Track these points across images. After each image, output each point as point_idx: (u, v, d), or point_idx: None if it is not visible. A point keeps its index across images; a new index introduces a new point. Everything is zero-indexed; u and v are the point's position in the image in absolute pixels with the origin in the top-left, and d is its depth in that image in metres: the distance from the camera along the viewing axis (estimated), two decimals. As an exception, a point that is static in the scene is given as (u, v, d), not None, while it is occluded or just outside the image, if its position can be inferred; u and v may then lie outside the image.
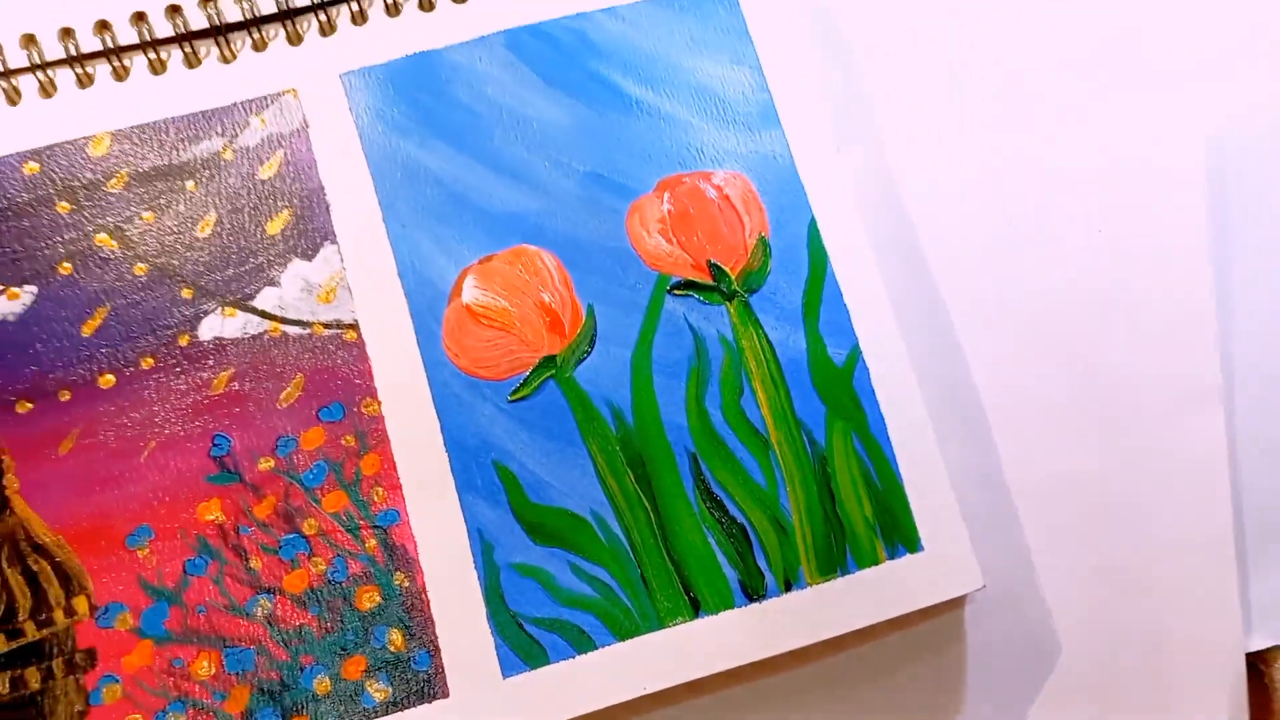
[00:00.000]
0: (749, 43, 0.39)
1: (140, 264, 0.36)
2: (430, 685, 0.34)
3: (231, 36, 0.38)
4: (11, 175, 0.36)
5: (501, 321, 0.36)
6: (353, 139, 0.37)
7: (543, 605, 0.35)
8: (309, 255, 0.37)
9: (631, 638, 0.35)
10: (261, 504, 0.35)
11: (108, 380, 0.35)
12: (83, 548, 0.34)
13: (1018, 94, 0.40)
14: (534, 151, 0.38)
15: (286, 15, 0.38)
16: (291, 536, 0.35)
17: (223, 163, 0.37)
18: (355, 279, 0.36)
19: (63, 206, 0.36)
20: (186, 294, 0.36)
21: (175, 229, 0.37)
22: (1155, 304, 0.38)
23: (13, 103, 0.37)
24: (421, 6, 0.38)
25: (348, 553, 0.35)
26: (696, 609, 0.35)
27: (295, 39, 0.38)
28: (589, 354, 0.36)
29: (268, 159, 0.37)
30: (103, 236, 0.36)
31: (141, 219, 0.37)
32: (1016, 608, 0.38)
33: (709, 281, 0.37)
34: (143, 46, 0.37)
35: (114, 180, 0.37)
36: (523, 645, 0.34)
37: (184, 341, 0.36)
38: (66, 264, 0.36)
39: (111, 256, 0.36)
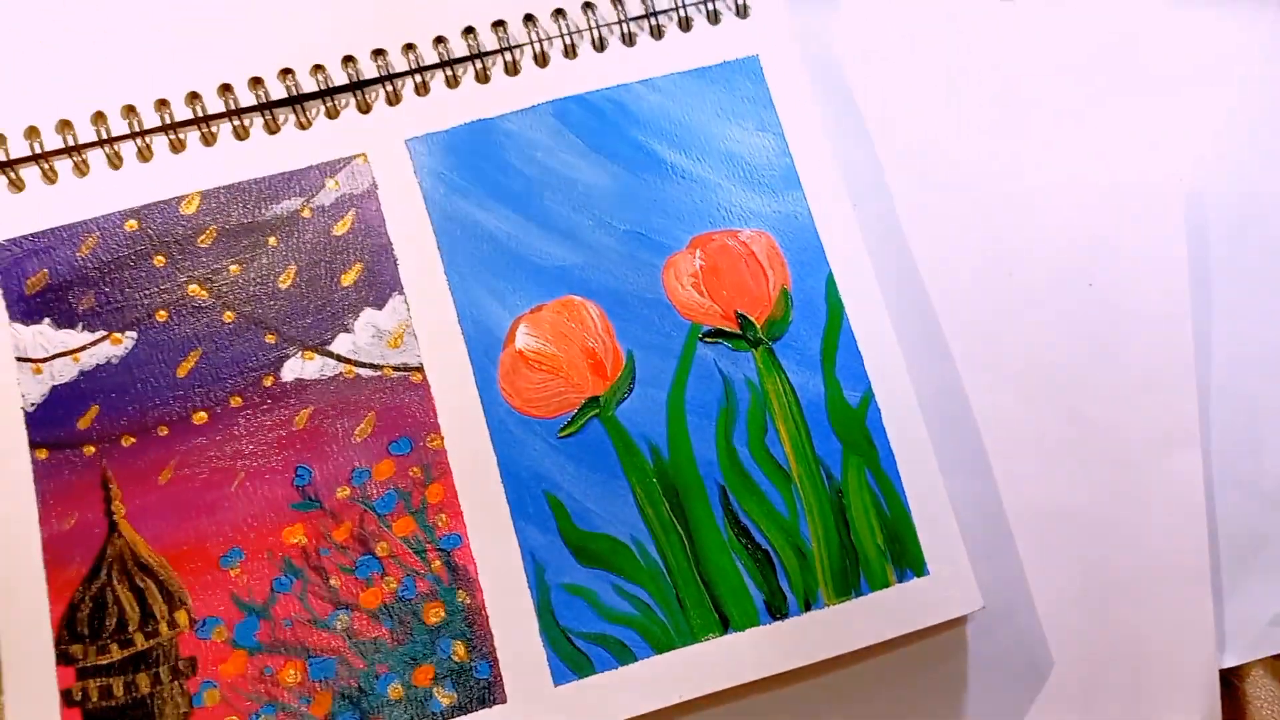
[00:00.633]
0: (773, 111, 0.43)
1: (229, 312, 0.41)
2: (490, 692, 0.38)
3: (307, 105, 0.42)
4: (114, 231, 0.41)
5: (551, 365, 0.40)
6: (417, 199, 0.42)
7: (589, 621, 0.39)
8: (379, 304, 0.41)
9: (668, 651, 0.39)
10: (339, 528, 0.39)
11: (201, 417, 0.40)
12: (182, 567, 0.38)
13: (1017, 159, 0.44)
14: (579, 211, 0.42)
15: (357, 86, 0.42)
16: (366, 558, 0.39)
17: (301, 220, 0.41)
18: (420, 326, 0.41)
19: (159, 260, 0.41)
20: (270, 339, 0.40)
21: (259, 280, 0.41)
22: (1139, 353, 0.42)
23: (115, 167, 0.41)
24: (478, 79, 0.43)
25: (415, 572, 0.39)
26: (726, 625, 0.39)
27: (365, 108, 0.42)
28: (629, 395, 0.41)
29: (341, 217, 0.41)
30: (194, 287, 0.41)
31: (229, 271, 0.41)
32: (1013, 625, 0.42)
33: (736, 330, 0.41)
34: (229, 115, 0.42)
35: (204, 236, 0.41)
36: (571, 656, 0.39)
37: (268, 382, 0.40)
38: (163, 312, 0.40)
39: (202, 305, 0.41)
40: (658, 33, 0.43)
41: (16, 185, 0.41)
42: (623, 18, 0.43)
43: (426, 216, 0.41)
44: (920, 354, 0.42)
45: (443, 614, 0.39)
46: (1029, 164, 0.44)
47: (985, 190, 0.44)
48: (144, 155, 0.41)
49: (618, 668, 0.39)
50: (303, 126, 0.42)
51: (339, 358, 0.40)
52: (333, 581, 0.39)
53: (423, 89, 0.42)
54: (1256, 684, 0.42)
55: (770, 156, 0.42)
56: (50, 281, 0.40)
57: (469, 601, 0.39)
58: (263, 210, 0.41)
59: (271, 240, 0.41)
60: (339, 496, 0.39)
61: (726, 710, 0.40)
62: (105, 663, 0.37)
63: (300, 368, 0.40)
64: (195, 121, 0.42)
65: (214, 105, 0.42)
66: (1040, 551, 0.42)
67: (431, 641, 0.38)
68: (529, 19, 0.43)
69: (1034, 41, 0.45)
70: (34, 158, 0.41)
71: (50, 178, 0.41)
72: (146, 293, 0.41)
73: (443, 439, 0.40)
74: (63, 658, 0.37)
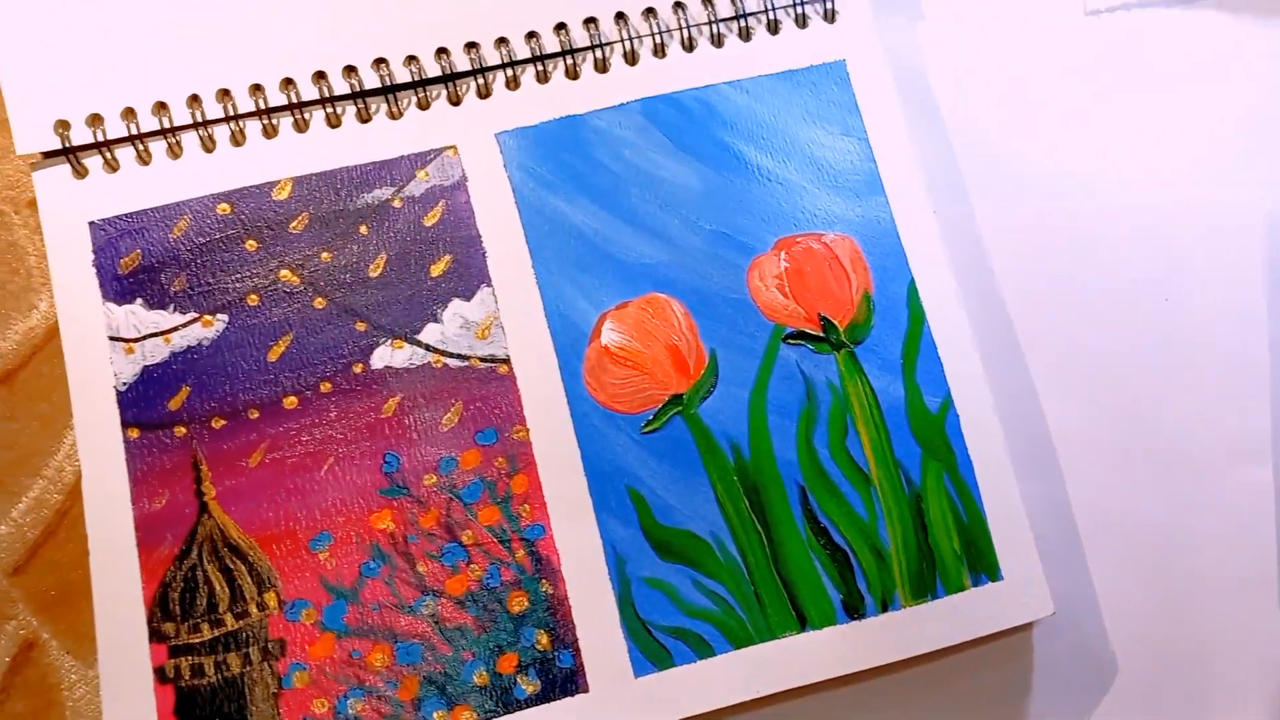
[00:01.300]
0: (858, 116, 0.43)
1: (319, 298, 0.41)
2: (572, 681, 0.39)
3: (399, 96, 0.43)
4: (207, 214, 0.41)
5: (635, 362, 0.41)
6: (506, 192, 0.42)
7: (669, 614, 0.40)
8: (467, 296, 0.41)
9: (746, 646, 0.39)
10: (427, 516, 0.40)
11: (291, 401, 0.40)
12: (271, 550, 0.39)
13: (1099, 171, 0.45)
14: (666, 210, 0.42)
15: (448, 78, 0.43)
16: (452, 545, 0.39)
17: (392, 210, 0.42)
18: (508, 318, 0.41)
19: (251, 244, 0.41)
20: (360, 327, 0.41)
21: (350, 268, 0.41)
22: (1214, 366, 0.43)
23: (208, 150, 0.42)
24: (568, 75, 0.43)
25: (500, 561, 0.40)
26: (803, 624, 0.40)
27: (455, 100, 0.43)
28: (711, 393, 0.41)
29: (431, 208, 0.42)
30: (286, 273, 0.41)
31: (320, 258, 0.41)
32: (1079, 630, 0.42)
33: (819, 333, 0.42)
34: (322, 102, 0.42)
35: (296, 222, 0.41)
36: (651, 649, 0.39)
37: (358, 369, 0.41)
38: (254, 296, 0.41)
39: (294, 291, 0.41)
40: (746, 34, 0.44)
41: (111, 166, 0.41)
42: (712, 18, 0.43)
43: (515, 210, 0.42)
44: (996, 361, 0.43)
45: (526, 603, 0.39)
46: (1110, 176, 0.44)
47: (1065, 201, 0.44)
48: (237, 139, 0.42)
49: (696, 661, 0.39)
50: (394, 117, 0.42)
51: (428, 347, 0.41)
52: (420, 568, 0.39)
53: (513, 83, 0.43)
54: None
55: (854, 161, 0.43)
56: (143, 262, 0.41)
57: (552, 591, 0.39)
58: (354, 198, 0.42)
59: (362, 229, 0.42)
60: (426, 484, 0.40)
61: (798, 706, 0.41)
62: (197, 641, 0.38)
63: (389, 356, 0.41)
64: (289, 108, 0.42)
65: (308, 92, 0.42)
66: (1109, 559, 0.43)
67: (516, 630, 0.39)
68: (620, 17, 0.43)
69: (1118, 55, 0.46)
70: (129, 139, 0.41)
71: (144, 159, 0.41)
72: (238, 276, 0.41)
73: (528, 431, 0.40)
74: (155, 635, 0.38)
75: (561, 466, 0.40)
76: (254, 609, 0.38)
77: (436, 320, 0.41)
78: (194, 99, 0.42)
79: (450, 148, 0.42)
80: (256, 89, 0.42)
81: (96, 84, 0.41)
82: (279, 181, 0.42)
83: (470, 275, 0.41)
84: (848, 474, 0.41)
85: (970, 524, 0.41)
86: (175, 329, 0.40)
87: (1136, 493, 0.43)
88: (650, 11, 0.43)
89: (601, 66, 0.43)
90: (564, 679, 0.39)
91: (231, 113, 0.42)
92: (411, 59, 0.42)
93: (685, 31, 0.43)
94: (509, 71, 0.43)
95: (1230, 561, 0.42)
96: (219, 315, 0.41)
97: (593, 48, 0.43)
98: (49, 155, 0.41)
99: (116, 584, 0.38)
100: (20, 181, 0.43)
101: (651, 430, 0.41)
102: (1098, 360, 0.43)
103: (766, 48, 0.44)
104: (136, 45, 0.42)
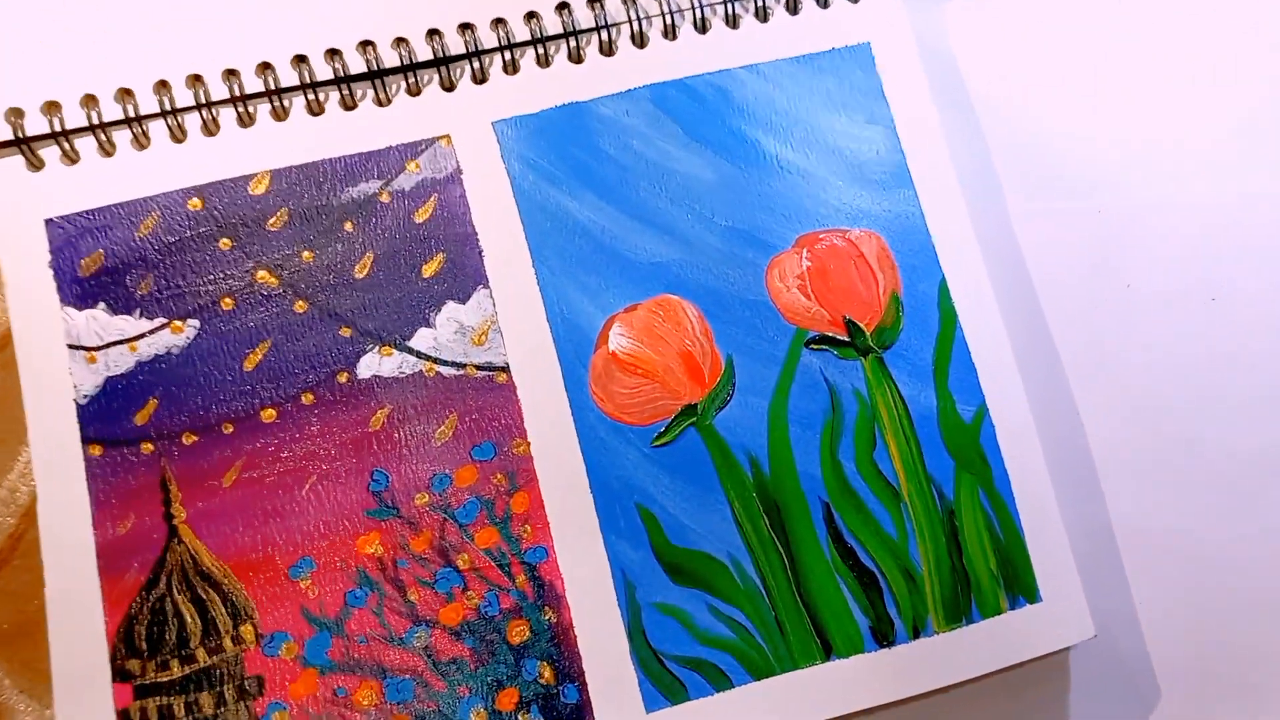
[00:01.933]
0: (884, 103, 0.40)
1: (300, 301, 0.38)
2: (578, 717, 0.35)
3: (388, 81, 0.39)
4: (176, 210, 0.38)
5: (646, 369, 0.38)
6: (504, 186, 0.39)
7: (682, 644, 0.36)
8: (462, 299, 0.38)
9: (766, 678, 0.36)
10: (418, 538, 0.36)
11: (269, 414, 0.37)
12: (247, 578, 0.36)
13: (1140, 163, 0.42)
14: (677, 204, 0.39)
15: (441, 62, 0.39)
16: (446, 570, 0.36)
17: (379, 205, 0.38)
18: (507, 323, 0.38)
19: (224, 243, 0.38)
20: (345, 332, 0.37)
21: (334, 268, 0.38)
22: (1262, 372, 0.40)
23: (177, 140, 0.38)
24: (571, 58, 0.40)
25: (499, 587, 0.36)
26: (828, 652, 0.37)
27: (449, 86, 0.39)
28: (728, 403, 0.38)
29: (423, 203, 0.39)
30: (263, 274, 0.38)
31: (301, 258, 0.38)
32: (1118, 652, 0.40)
33: (844, 337, 0.38)
34: (303, 88, 0.39)
35: (274, 218, 0.38)
36: (664, 681, 0.36)
37: (343, 379, 0.37)
38: (229, 299, 0.37)
39: (272, 293, 0.38)
40: (763, 15, 0.40)
41: (70, 158, 0.38)
42: (725, -2, 0.40)
43: (514, 205, 0.39)
44: (1031, 367, 0.40)
45: (528, 633, 0.36)
46: (1154, 168, 0.42)
47: (1104, 195, 0.41)
48: (210, 129, 0.38)
49: (714, 694, 0.36)
50: (382, 104, 0.39)
51: (419, 354, 0.37)
52: (411, 595, 0.36)
53: (511, 68, 0.40)
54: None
55: (881, 151, 0.40)
56: (106, 263, 0.37)
57: (555, 620, 0.36)
58: (338, 193, 0.38)
59: (347, 226, 0.38)
60: (418, 504, 0.37)
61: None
62: (165, 680, 0.34)
63: (377, 364, 0.37)
64: (266, 94, 0.38)
65: (288, 78, 0.39)
66: (1149, 577, 0.40)
67: (516, 662, 0.36)
68: (625, -4, 0.40)
69: (1165, 39, 0.43)
70: (90, 128, 0.38)
71: (108, 150, 0.38)
72: (211, 278, 0.37)
73: (529, 445, 0.37)
74: (119, 674, 0.34)
75: (565, 483, 0.37)
76: (229, 643, 0.35)
77: (429, 325, 0.38)
78: (162, 84, 0.38)
79: (443, 137, 0.39)
80: (231, 74, 0.38)
81: (53, 68, 0.38)
82: (256, 175, 0.38)
83: (465, 276, 0.38)
84: (875, 489, 0.38)
85: (1007, 542, 0.38)
86: (142, 336, 0.37)
87: (1178, 506, 0.40)
88: (658, -10, 0.40)
89: (607, 49, 0.40)
90: (569, 716, 0.36)
91: (204, 100, 0.38)
92: (400, 41, 0.39)
93: (698, 11, 0.40)
94: (507, 55, 0.40)
95: (1276, 584, 0.40)
96: (190, 321, 0.37)
97: (598, 29, 0.40)
98: (1, 146, 0.37)
99: (76, 616, 0.35)
100: (-29, 174, 0.39)
101: (663, 443, 0.38)
102: (1139, 365, 0.40)
103: (786, 29, 0.40)
104: (98, 26, 0.38)
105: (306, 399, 0.37)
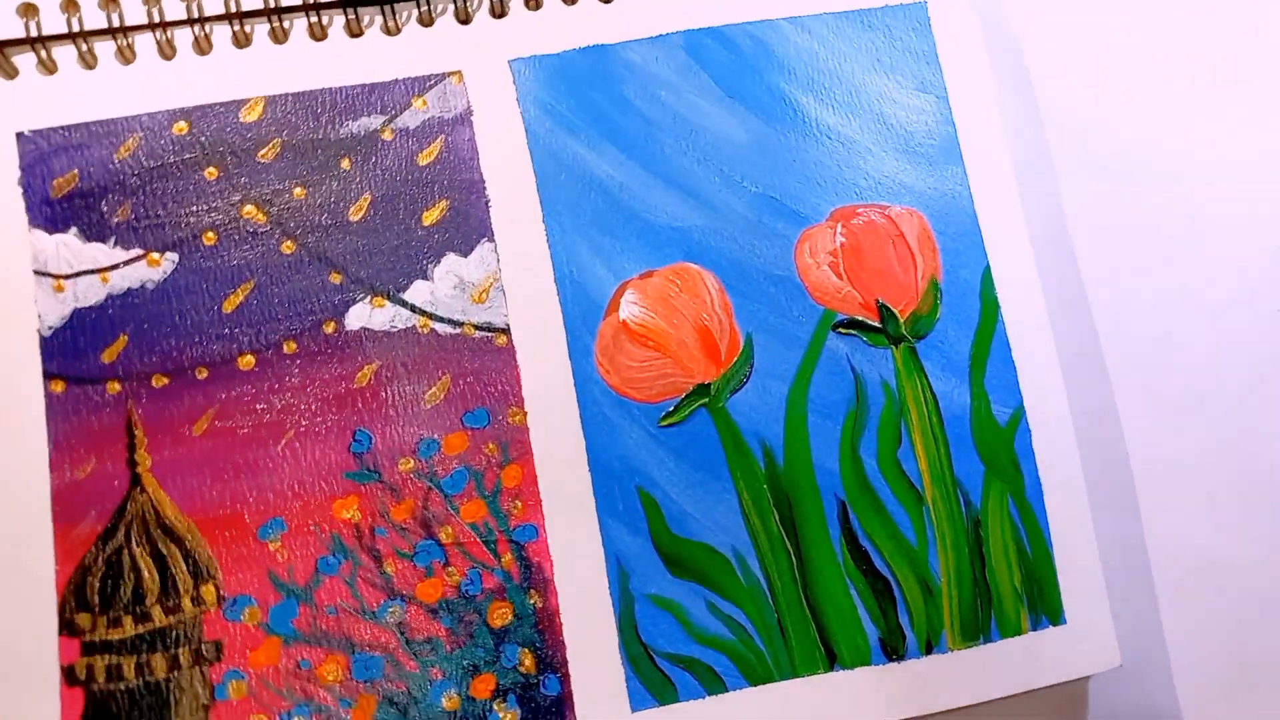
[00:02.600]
0: (938, 69, 0.37)
1: (288, 241, 0.35)
2: (558, 712, 0.33)
3: (398, 8, 0.36)
4: (160, 133, 0.35)
5: (658, 342, 0.35)
6: (518, 131, 0.36)
7: (675, 640, 0.34)
8: (465, 251, 0.35)
9: (763, 684, 0.34)
10: (399, 506, 0.34)
11: (247, 361, 0.34)
12: (212, 535, 0.33)
13: (1209, 154, 0.38)
14: (705, 165, 0.36)
15: (458, -10, 0.36)
16: (427, 543, 0.33)
17: (381, 143, 0.35)
18: (510, 281, 0.35)
19: (210, 172, 0.35)
20: (335, 279, 0.35)
21: (327, 208, 0.35)
22: (1329, 392, 0.37)
23: (166, 57, 0.35)
24: (600, -4, 0.36)
25: (483, 565, 0.34)
26: (832, 662, 0.34)
27: (465, 17, 0.36)
28: (744, 385, 0.35)
29: (428, 144, 0.35)
30: (250, 208, 0.35)
31: (292, 194, 0.35)
32: (1142, 683, 0.37)
33: (875, 322, 0.35)
34: (305, 9, 0.35)
35: (266, 150, 0.35)
36: (653, 680, 0.33)
37: (329, 329, 0.34)
38: (211, 234, 0.34)
39: (258, 230, 0.35)
40: (813, -36, 0.37)
41: (48, 67, 0.35)
42: (773, -58, 0.37)
43: (527, 152, 0.35)
44: (1075, 370, 0.37)
45: (510, 616, 0.33)
46: (1220, 162, 0.38)
47: (1167, 188, 0.38)
48: (201, 47, 0.35)
49: (705, 697, 0.34)
50: (390, 32, 0.36)
51: (414, 308, 0.35)
52: (387, 567, 0.33)
53: (534, 2, 0.36)
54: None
55: (930, 122, 0.36)
56: (80, 185, 0.34)
57: (541, 605, 0.34)
58: (337, 126, 0.35)
59: (344, 163, 0.35)
60: (401, 469, 0.34)
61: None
62: (116, 638, 0.32)
63: (368, 315, 0.34)
64: (265, 12, 0.35)
65: (289, -5, 0.35)
66: (1183, 604, 0.37)
67: (496, 647, 0.33)
68: (665, -69, 0.36)
69: (1238, 27, 0.39)
70: (70, 36, 0.34)
71: (89, 62, 0.35)
72: (193, 209, 0.35)
73: (525, 415, 0.34)
74: (67, 627, 0.32)
75: (562, 459, 0.34)
76: (188, 603, 0.32)
77: (426, 277, 0.35)
78: (153, -7, 0.35)
79: (454, 74, 0.36)
80: (228, -14, 0.35)
81: (37, -33, 0.35)
82: (249, 100, 0.35)
83: (469, 227, 0.35)
84: (897, 491, 0.35)
85: (1035, 558, 0.35)
86: (115, 267, 0.34)
87: (1221, 529, 0.37)
88: (701, -73, 0.37)
89: (639, -11, 0.36)
90: (548, 709, 0.33)
91: (196, 14, 0.35)
92: (415, -36, 0.36)
93: (741, -46, 0.37)
94: (530, -13, 0.36)
95: (1326, 620, 0.37)
96: (167, 254, 0.34)
97: (630, -34, 0.36)
98: (-25, 48, 0.34)
99: (24, 563, 0.32)
100: (-56, 78, 0.36)
101: (671, 423, 0.35)
102: (1192, 378, 0.37)
103: (835, -19, 0.37)
104: (88, -76, 0.35)
105: (289, 347, 0.34)
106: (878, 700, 0.34)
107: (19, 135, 0.34)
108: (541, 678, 0.33)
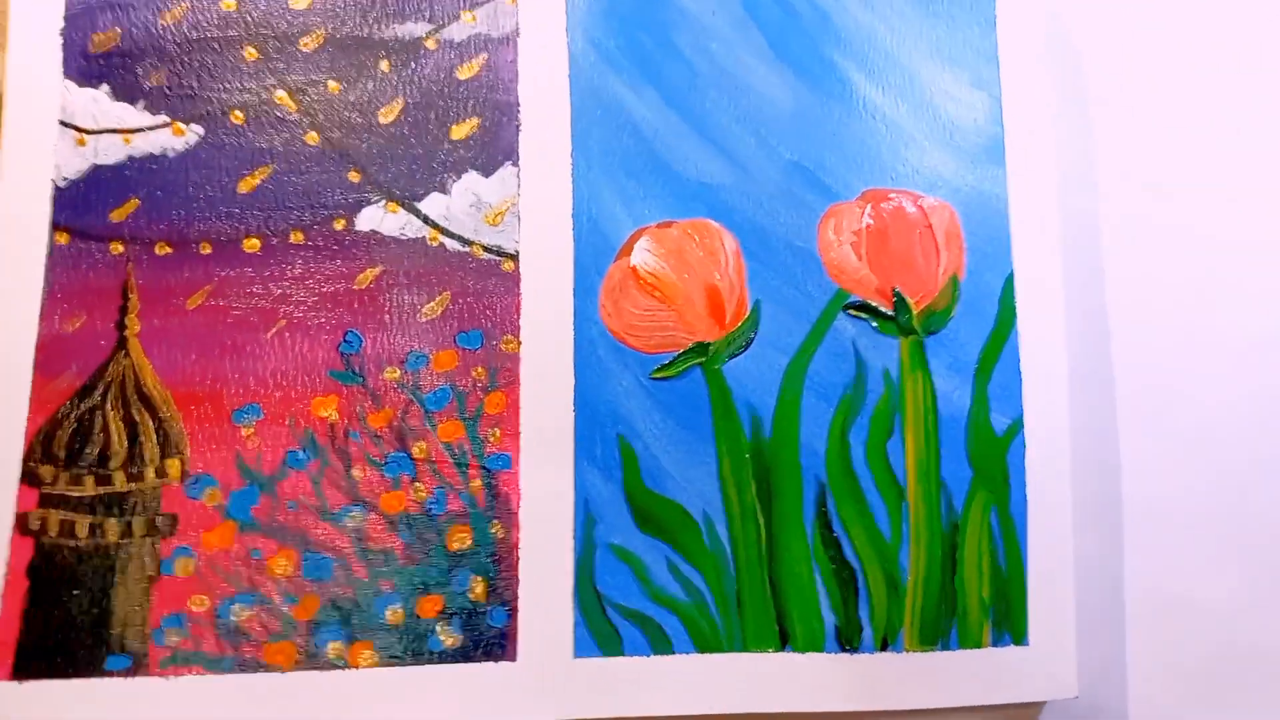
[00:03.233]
0: (995, 68, 0.36)
1: (313, 133, 0.34)
2: (499, 644, 0.32)
3: (462, -82, 0.35)
4: (208, 7, 0.34)
5: (665, 293, 0.34)
6: (561, 60, 0.35)
7: (630, 594, 0.33)
8: (487, 171, 0.34)
9: (710, 652, 0.33)
10: (378, 414, 0.33)
11: (252, 244, 0.34)
12: (187, 410, 0.33)
13: (1260, 186, 0.37)
14: (743, 124, 0.35)
15: (524, -89, 0.35)
16: (399, 455, 0.33)
17: (423, 50, 0.35)
18: (527, 208, 0.34)
19: (249, 52, 0.35)
20: (353, 177, 0.34)
21: (359, 106, 0.35)
22: (1342, 460, 0.36)
23: (224, -71, 0.35)
24: (666, -62, 0.36)
25: (450, 486, 0.33)
26: (785, 642, 0.33)
27: (527, -62, 0.36)
28: (744, 350, 0.34)
29: (470, 59, 0.35)
30: (282, 94, 0.34)
31: (326, 86, 0.35)
32: (1097, 718, 0.36)
33: (888, 310, 0.35)
34: (369, -95, 0.35)
35: (308, 38, 0.35)
36: (601, 629, 0.33)
37: (339, 225, 0.34)
38: (239, 113, 0.34)
39: (286, 117, 0.34)
40: (886, -60, 0.36)
41: (108, -79, 0.35)
42: (849, -88, 0.36)
43: (566, 83, 0.35)
44: (1081, 390, 0.36)
45: (469, 542, 0.33)
46: (1270, 209, 0.37)
47: (1209, 225, 0.37)
48: (261, -74, 0.35)
49: (650, 655, 0.33)
50: (450, -59, 0.35)
51: (426, 219, 0.34)
52: (355, 472, 0.33)
53: (598, -66, 0.36)
54: None
55: (979, 119, 0.35)
56: (120, 44, 0.34)
57: (502, 536, 0.33)
58: (383, 27, 0.35)
59: (383, 65, 0.35)
60: (386, 377, 0.33)
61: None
62: (75, 495, 0.32)
63: (379, 219, 0.34)
64: (329, -98, 0.35)
65: (355, -111, 0.35)
66: (1150, 644, 0.36)
67: (449, 570, 0.33)
68: (741, -115, 0.36)
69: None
70: (135, -106, 0.34)
71: (148, -77, 0.35)
72: (226, 86, 0.34)
73: (519, 344, 0.34)
74: (28, 476, 0.32)
75: (549, 394, 0.34)
76: (151, 473, 0.32)
77: (444, 191, 0.34)
78: None
79: (507, -7, 0.35)
80: None
81: None
82: (299, -14, 0.35)
83: (496, 147, 0.35)
84: (880, 482, 0.34)
85: (1008, 573, 0.34)
86: (140, 130, 0.34)
87: (1205, 570, 0.36)
88: (779, -114, 0.36)
89: (706, -62, 0.36)
90: (491, 640, 0.33)
91: (262, -109, 0.35)
92: (486, -123, 0.35)
93: (814, -80, 0.36)
94: (596, -81, 0.36)
95: (1299, 690, 0.35)
96: (193, 126, 0.34)
97: (701, -87, 0.36)
98: (38, -109, 0.34)
99: None
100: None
101: (663, 377, 0.34)
102: (1200, 418, 0.36)
103: (906, -39, 0.36)
104: None
105: (295, 237, 0.34)
106: (831, 688, 0.33)
107: (66, -17, 0.34)
108: (490, 608, 0.33)
